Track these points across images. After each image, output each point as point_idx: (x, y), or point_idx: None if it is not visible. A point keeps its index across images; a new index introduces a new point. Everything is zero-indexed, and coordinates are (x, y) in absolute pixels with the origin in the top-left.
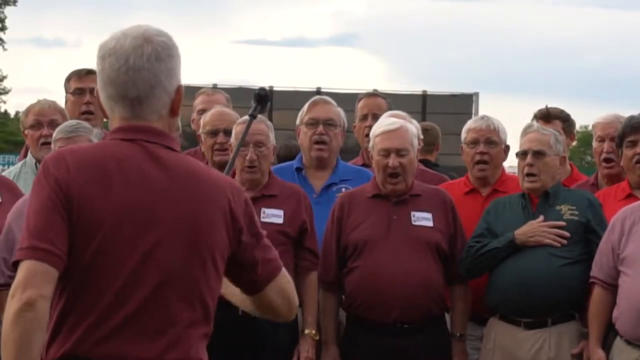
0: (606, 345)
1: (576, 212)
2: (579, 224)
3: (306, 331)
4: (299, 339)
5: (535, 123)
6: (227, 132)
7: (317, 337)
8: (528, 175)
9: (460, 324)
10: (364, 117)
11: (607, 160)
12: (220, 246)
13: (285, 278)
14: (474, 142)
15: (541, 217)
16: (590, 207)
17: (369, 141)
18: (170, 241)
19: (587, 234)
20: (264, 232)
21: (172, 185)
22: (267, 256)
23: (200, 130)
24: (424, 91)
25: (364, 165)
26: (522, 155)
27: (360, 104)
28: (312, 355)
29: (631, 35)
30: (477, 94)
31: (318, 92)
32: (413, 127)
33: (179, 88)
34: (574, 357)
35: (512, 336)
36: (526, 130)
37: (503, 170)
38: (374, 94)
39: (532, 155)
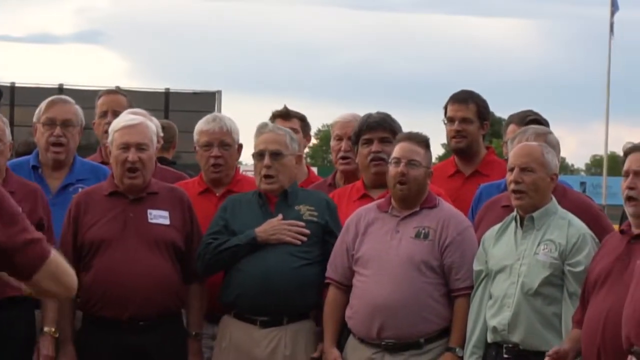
0: (341, 345)
1: (315, 214)
2: (318, 226)
3: (45, 329)
4: (36, 336)
5: (269, 122)
6: None
7: (57, 335)
8: (266, 177)
9: (196, 322)
10: (104, 114)
11: (343, 158)
12: None
13: (53, 264)
14: (208, 145)
15: (280, 216)
16: (328, 209)
17: (107, 138)
18: None
19: (325, 235)
20: (19, 211)
21: None
22: (27, 247)
23: None
24: (167, 89)
25: (102, 162)
26: (258, 156)
27: (100, 101)
28: (51, 353)
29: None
30: (219, 92)
31: (60, 88)
32: (152, 124)
33: None
34: (311, 357)
35: (248, 335)
36: (261, 130)
37: (237, 169)
38: (114, 91)
39: (269, 156)
